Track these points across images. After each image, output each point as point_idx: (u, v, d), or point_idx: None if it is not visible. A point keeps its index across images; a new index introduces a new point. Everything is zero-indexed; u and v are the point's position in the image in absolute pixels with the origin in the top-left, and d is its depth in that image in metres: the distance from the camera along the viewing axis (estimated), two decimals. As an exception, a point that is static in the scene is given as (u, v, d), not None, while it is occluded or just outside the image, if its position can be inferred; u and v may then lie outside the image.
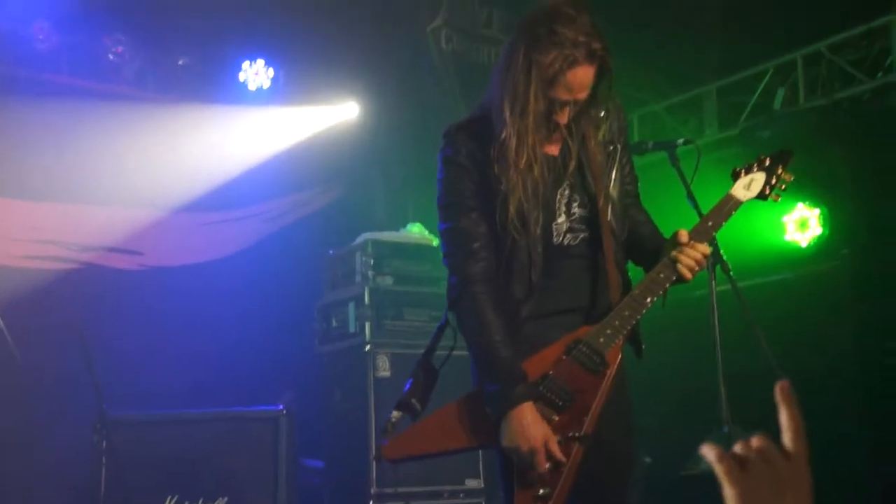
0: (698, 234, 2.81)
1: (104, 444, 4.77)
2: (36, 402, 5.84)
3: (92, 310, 6.16)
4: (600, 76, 2.71)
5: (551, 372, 2.72)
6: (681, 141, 3.90)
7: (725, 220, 2.88)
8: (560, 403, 2.70)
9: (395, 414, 2.87)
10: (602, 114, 2.85)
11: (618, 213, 2.85)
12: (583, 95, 2.71)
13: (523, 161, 2.70)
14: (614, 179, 2.86)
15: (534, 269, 2.76)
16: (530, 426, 2.65)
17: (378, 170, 8.33)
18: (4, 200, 6.60)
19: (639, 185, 3.05)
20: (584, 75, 2.67)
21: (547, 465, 2.65)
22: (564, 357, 2.73)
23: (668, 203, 3.86)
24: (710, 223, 2.86)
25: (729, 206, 2.88)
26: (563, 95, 2.68)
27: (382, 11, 7.33)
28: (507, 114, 2.70)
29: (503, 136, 2.71)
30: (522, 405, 2.66)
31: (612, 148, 2.87)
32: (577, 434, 2.68)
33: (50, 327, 5.46)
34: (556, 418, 2.69)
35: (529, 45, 2.67)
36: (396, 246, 6.60)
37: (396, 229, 6.95)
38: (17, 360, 4.82)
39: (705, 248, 2.79)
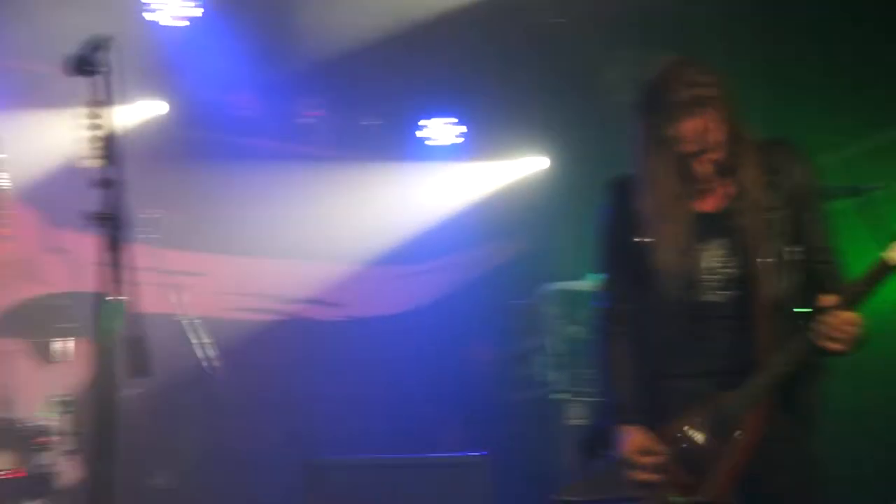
0: (846, 300, 2.66)
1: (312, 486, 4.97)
2: (241, 444, 6.19)
3: (295, 358, 6.49)
4: (727, 117, 2.74)
5: (688, 435, 2.76)
6: (868, 187, 3.82)
7: (873, 285, 2.68)
8: (692, 466, 2.73)
9: (583, 457, 2.99)
10: (776, 175, 2.82)
11: (777, 274, 2.77)
12: (704, 142, 2.73)
13: (664, 219, 2.79)
14: (780, 238, 2.80)
15: (673, 323, 2.81)
16: (626, 438, 2.78)
17: (566, 220, 8.42)
18: (215, 257, 7.10)
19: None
20: (692, 126, 2.71)
21: (639, 476, 2.74)
22: (699, 421, 2.75)
23: (857, 252, 3.77)
24: (858, 288, 2.69)
25: (878, 270, 2.67)
26: (681, 149, 2.74)
27: (569, 65, 7.45)
28: (642, 175, 2.83)
29: (644, 195, 2.83)
30: (631, 426, 2.80)
31: (782, 208, 2.81)
32: (703, 501, 2.71)
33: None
34: (687, 480, 2.73)
35: (641, 111, 2.82)
36: (586, 295, 6.65)
37: (586, 279, 7.01)
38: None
39: (849, 317, 2.64)
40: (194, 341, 5.24)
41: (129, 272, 2.80)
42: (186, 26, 6.50)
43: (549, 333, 6.54)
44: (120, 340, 2.75)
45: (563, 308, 6.55)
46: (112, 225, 2.86)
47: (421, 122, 7.80)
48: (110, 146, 2.90)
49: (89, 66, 2.87)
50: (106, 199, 2.86)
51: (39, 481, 4.87)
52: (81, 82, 2.85)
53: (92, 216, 2.86)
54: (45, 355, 5.95)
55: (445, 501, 5.35)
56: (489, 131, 7.90)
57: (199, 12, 6.50)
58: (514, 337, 6.98)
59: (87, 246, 6.41)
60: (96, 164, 2.92)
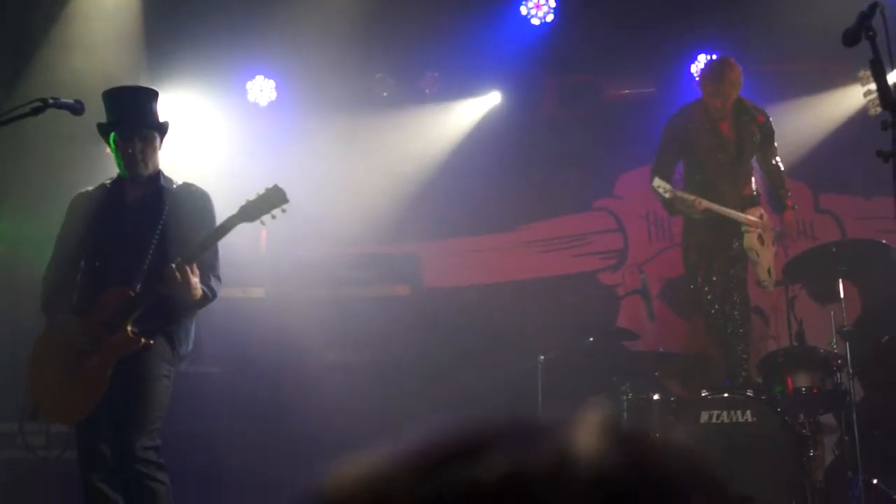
0: None
1: None
2: None
3: None
4: None
5: None
6: None
7: None
8: None
9: None
10: None
11: None
12: None
13: None
14: None
15: None
16: None
17: None
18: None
19: None
20: None
21: None
22: None
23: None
24: None
25: None
26: None
27: None
28: None
29: None
30: None
31: None
32: None
33: None
34: None
35: None
36: None
37: None
38: None
39: None
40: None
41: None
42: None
43: None
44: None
45: None
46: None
47: None
48: (887, 96, 3.73)
49: (864, 32, 3.67)
50: (891, 140, 3.71)
51: (832, 397, 5.91)
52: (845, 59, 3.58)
53: (881, 154, 3.71)
54: (822, 295, 7.10)
55: None
56: None
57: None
58: None
59: (846, 205, 7.58)
60: (877, 111, 3.82)
